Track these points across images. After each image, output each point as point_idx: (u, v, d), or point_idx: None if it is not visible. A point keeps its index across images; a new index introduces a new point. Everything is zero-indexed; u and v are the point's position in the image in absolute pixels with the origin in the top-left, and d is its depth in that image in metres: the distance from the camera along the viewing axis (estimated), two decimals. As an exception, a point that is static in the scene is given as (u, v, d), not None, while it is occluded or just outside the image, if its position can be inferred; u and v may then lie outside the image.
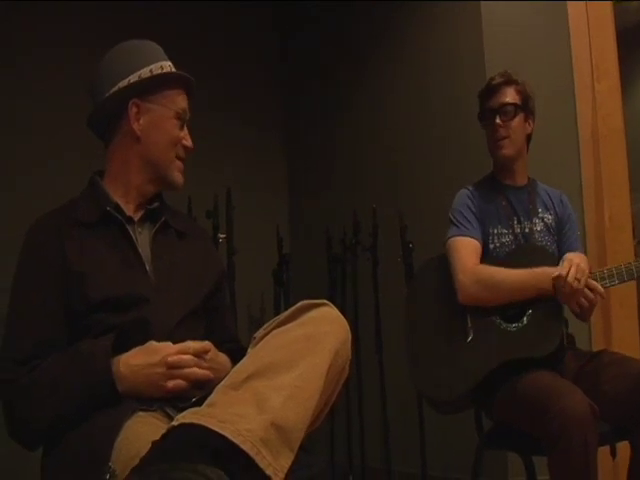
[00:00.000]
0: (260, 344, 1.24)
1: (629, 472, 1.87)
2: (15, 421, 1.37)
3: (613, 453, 2.00)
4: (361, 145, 3.60)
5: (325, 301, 1.30)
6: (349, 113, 3.68)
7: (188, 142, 1.60)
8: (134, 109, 1.53)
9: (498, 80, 2.19)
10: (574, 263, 1.97)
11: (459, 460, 2.77)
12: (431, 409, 2.21)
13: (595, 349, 2.69)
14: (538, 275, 2.00)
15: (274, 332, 1.25)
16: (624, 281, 2.02)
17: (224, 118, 3.77)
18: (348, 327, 1.29)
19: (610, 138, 2.87)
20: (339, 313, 1.29)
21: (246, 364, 1.18)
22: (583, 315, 2.12)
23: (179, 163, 1.59)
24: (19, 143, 3.09)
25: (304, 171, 4.03)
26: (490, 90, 2.19)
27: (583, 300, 1.98)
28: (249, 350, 1.27)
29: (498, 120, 2.14)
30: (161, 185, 1.60)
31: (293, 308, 1.28)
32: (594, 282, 1.99)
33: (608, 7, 2.95)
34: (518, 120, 2.16)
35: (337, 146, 3.77)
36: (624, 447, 1.92)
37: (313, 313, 1.26)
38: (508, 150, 2.16)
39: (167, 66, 1.58)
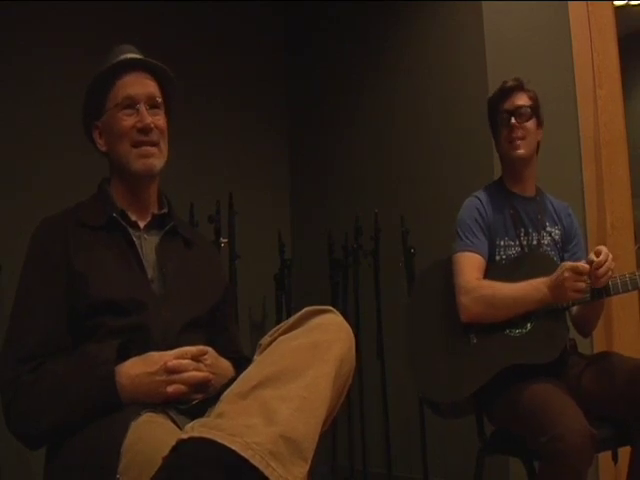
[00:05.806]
0: (266, 351, 1.24)
1: (629, 471, 1.86)
2: (15, 417, 1.37)
3: (615, 458, 1.99)
4: (363, 150, 3.60)
5: (330, 307, 1.31)
6: (351, 118, 3.69)
7: (141, 122, 1.52)
8: (97, 132, 1.58)
9: (512, 84, 2.18)
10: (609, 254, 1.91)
11: (460, 465, 2.77)
12: (433, 414, 2.21)
13: (597, 354, 2.69)
14: (537, 286, 1.98)
15: (280, 339, 1.25)
16: (628, 290, 2.00)
17: (226, 123, 3.78)
18: (352, 334, 1.29)
19: (612, 144, 2.87)
20: (343, 320, 1.30)
21: (253, 372, 1.18)
22: (587, 327, 2.14)
23: (137, 150, 1.53)
24: (19, 144, 3.10)
25: (306, 176, 4.03)
26: (505, 93, 2.17)
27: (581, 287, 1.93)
28: (255, 357, 1.27)
29: (514, 121, 2.13)
30: (136, 183, 1.57)
31: (298, 314, 1.29)
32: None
33: (609, 8, 2.95)
34: (532, 123, 2.16)
35: (339, 151, 3.78)
36: (626, 453, 1.92)
37: (318, 320, 1.27)
38: (524, 150, 2.13)
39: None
